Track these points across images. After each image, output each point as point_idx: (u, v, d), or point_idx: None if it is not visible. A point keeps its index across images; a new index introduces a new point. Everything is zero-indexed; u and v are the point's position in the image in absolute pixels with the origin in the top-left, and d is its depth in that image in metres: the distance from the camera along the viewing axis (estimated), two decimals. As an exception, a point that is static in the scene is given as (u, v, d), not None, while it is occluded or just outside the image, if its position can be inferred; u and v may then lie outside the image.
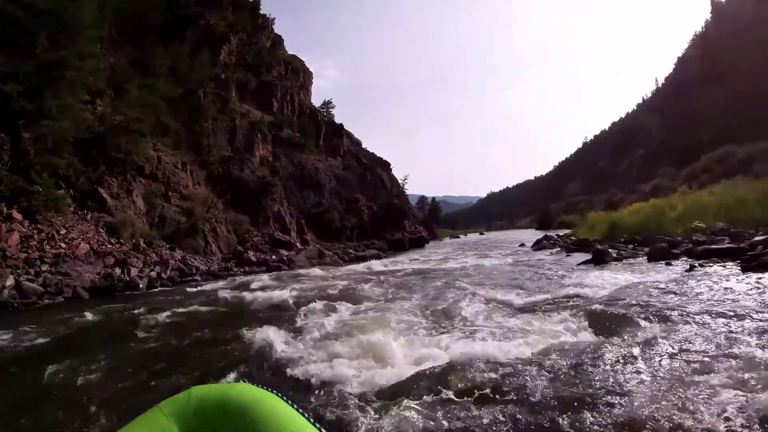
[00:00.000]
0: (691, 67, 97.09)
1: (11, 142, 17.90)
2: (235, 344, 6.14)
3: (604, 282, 9.30)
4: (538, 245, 24.72)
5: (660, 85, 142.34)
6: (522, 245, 29.08)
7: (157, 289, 14.08)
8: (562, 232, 42.92)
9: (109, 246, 17.61)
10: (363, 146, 63.62)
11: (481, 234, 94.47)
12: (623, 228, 20.14)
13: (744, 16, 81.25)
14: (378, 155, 64.30)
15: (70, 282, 12.75)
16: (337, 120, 58.63)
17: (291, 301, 9.45)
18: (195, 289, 13.09)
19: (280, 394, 1.19)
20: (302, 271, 17.69)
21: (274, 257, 22.08)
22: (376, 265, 19.13)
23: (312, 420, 1.14)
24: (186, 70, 34.96)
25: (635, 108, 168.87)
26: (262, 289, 11.98)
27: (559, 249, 21.34)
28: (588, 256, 14.15)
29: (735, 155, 43.60)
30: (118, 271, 14.91)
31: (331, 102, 64.41)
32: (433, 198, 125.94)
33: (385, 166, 63.25)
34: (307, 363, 4.79)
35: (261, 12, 55.80)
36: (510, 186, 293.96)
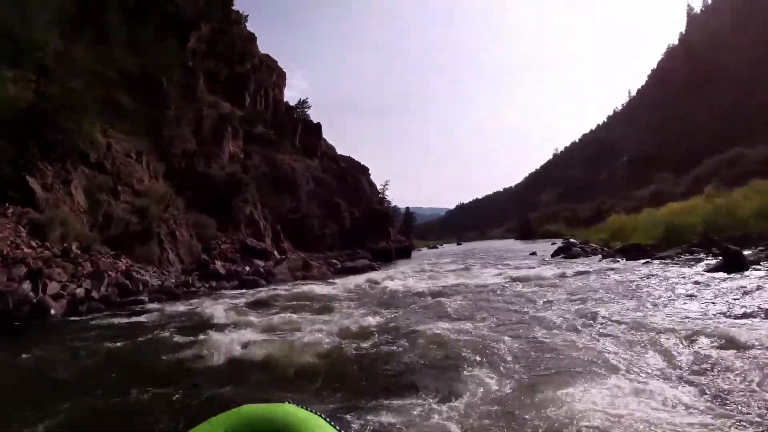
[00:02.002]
0: (669, 78, 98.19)
1: None
2: None
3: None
4: (567, 253, 20.90)
5: (632, 97, 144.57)
6: (533, 253, 25.73)
7: (80, 317, 9.61)
8: (556, 241, 39.87)
9: (26, 250, 13.05)
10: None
11: (459, 245, 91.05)
12: (685, 230, 16.60)
13: (722, 25, 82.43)
14: (355, 159, 60.33)
15: (-64, 307, 8.25)
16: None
17: (311, 360, 5.23)
18: (132, 320, 8.74)
19: (327, 418, 1.15)
20: (287, 288, 13.43)
21: (247, 269, 17.64)
22: (381, 279, 14.87)
23: None
24: (148, 52, 30.47)
25: (605, 120, 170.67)
26: (241, 325, 7.62)
27: (603, 257, 17.86)
28: (657, 263, 10.55)
29: (746, 157, 40.97)
30: (27, 287, 10.41)
31: (306, 101, 60.07)
32: (407, 208, 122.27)
33: (364, 171, 59.07)
34: None
35: (234, 8, 51.50)
36: (479, 197, 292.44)
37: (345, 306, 9.11)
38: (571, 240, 24.06)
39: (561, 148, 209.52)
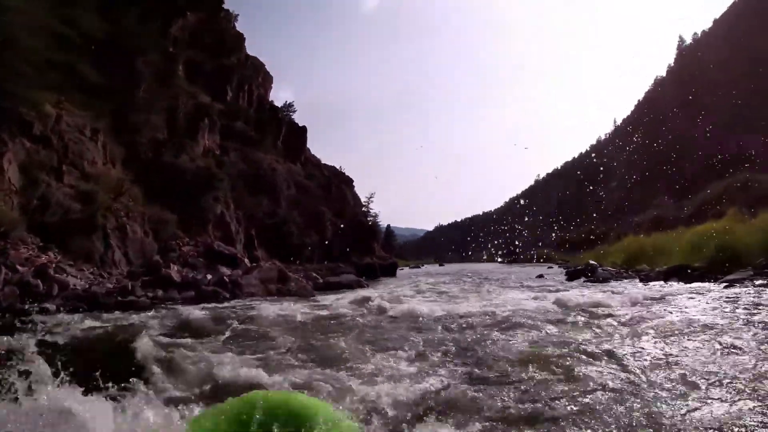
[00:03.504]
0: (657, 108, 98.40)
1: None
2: None
3: None
4: (592, 276, 17.72)
5: (617, 126, 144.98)
6: (540, 276, 23.17)
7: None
8: (552, 265, 37.35)
9: None
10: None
11: (441, 266, 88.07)
12: (740, 251, 13.77)
13: (712, 56, 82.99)
14: (339, 169, 57.11)
15: None
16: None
17: None
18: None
19: (339, 407, 1.29)
20: (257, 306, 10.03)
21: (209, 277, 14.18)
22: (376, 299, 11.27)
23: None
24: (124, 26, 27.37)
25: (588, 149, 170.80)
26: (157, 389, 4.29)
27: (641, 280, 14.90)
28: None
29: (757, 182, 38.83)
30: None
31: (292, 104, 56.98)
32: (388, 225, 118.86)
33: (348, 182, 55.90)
34: None
35: (224, 6, 48.55)
36: (458, 220, 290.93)
37: (349, 348, 5.73)
38: (591, 262, 21.07)
39: (543, 174, 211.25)
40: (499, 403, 3.46)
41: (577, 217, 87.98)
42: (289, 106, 56.05)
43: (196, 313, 8.43)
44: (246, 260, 20.67)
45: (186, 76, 35.48)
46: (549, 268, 35.95)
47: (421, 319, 7.69)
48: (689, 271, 13.89)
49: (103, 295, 9.98)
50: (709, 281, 11.88)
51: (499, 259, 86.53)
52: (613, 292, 10.94)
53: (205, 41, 40.66)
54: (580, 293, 11.08)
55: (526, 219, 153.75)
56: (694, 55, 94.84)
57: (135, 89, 25.77)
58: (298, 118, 52.04)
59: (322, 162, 53.41)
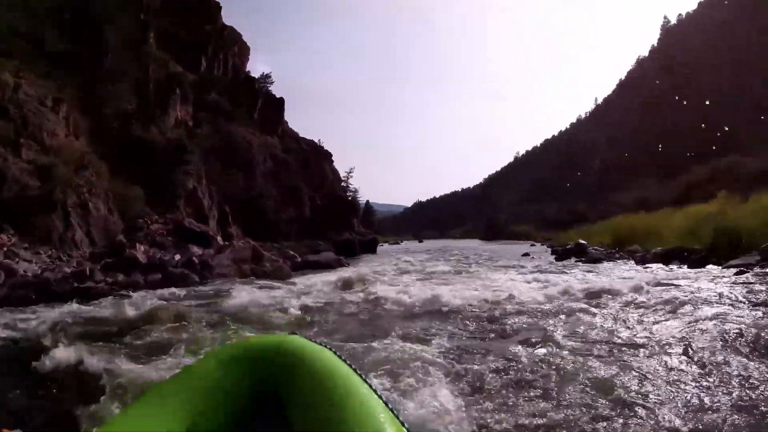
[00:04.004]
0: (639, 88, 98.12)
1: None
2: None
3: None
4: (583, 257, 17.20)
5: (597, 105, 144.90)
6: (526, 254, 23.29)
7: None
8: (535, 243, 37.29)
9: None
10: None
11: (420, 242, 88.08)
12: (742, 234, 13.30)
13: (697, 37, 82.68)
14: (318, 143, 55.83)
15: None
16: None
17: None
18: None
19: (335, 350, 1.13)
20: (227, 292, 9.16)
21: (178, 257, 13.30)
22: (359, 280, 10.40)
23: (365, 378, 1.09)
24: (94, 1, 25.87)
25: (568, 127, 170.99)
26: None
27: (638, 262, 14.37)
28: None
29: (744, 165, 38.53)
30: None
31: (270, 76, 55.23)
32: (367, 201, 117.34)
33: (327, 156, 54.72)
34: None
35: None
36: (437, 196, 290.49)
37: (331, 341, 5.07)
38: (580, 241, 20.58)
39: (522, 152, 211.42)
40: (514, 404, 2.88)
41: (557, 195, 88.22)
42: (266, 77, 54.39)
43: (155, 301, 7.61)
44: (219, 238, 19.71)
45: (158, 45, 33.92)
46: (531, 246, 35.78)
47: (411, 305, 7.01)
48: (688, 254, 13.44)
49: (57, 282, 9.02)
50: (714, 266, 11.39)
51: (476, 237, 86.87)
52: (615, 277, 10.37)
53: (178, 9, 38.92)
54: (580, 277, 10.58)
55: (506, 196, 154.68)
56: (678, 35, 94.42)
57: (103, 58, 24.40)
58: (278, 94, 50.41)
59: (301, 136, 52.22)
